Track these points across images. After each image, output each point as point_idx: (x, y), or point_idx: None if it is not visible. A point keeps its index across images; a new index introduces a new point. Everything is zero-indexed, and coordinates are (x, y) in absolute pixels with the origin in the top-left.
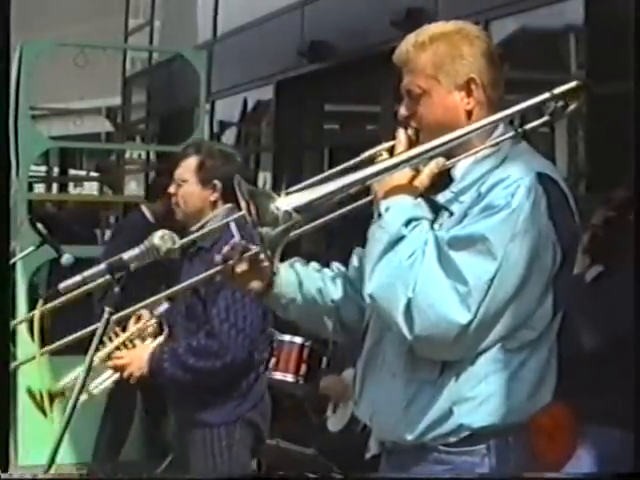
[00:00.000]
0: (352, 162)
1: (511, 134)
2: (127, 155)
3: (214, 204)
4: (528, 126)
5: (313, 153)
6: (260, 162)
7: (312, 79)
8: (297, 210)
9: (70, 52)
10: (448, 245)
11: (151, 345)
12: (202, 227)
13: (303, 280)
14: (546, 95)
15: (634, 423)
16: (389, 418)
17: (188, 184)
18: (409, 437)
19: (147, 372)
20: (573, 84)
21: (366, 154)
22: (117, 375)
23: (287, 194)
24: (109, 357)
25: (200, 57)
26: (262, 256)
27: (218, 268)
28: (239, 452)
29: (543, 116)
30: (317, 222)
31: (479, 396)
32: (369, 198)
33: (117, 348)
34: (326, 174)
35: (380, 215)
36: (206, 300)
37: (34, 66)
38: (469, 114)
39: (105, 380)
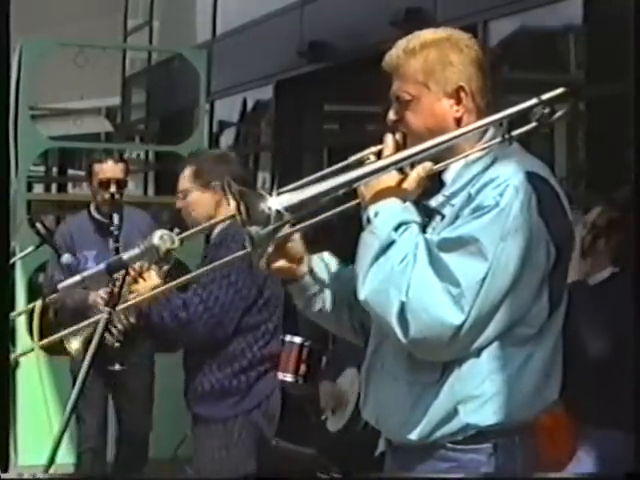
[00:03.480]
0: (340, 165)
1: (498, 140)
2: (126, 155)
3: (218, 205)
4: (516, 132)
5: (312, 153)
6: (259, 162)
7: (312, 79)
8: (288, 210)
9: (70, 52)
10: (439, 247)
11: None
12: (213, 228)
13: (332, 274)
14: (534, 101)
15: (634, 424)
16: (394, 420)
17: (190, 194)
18: (415, 437)
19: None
20: (561, 90)
21: (353, 158)
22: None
23: (279, 194)
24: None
25: (200, 57)
26: (295, 238)
27: (247, 250)
28: (237, 452)
29: (531, 121)
30: (304, 224)
31: (484, 395)
32: (356, 201)
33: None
34: (315, 176)
35: (369, 220)
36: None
37: (34, 66)
38: (458, 121)
39: (121, 321)
